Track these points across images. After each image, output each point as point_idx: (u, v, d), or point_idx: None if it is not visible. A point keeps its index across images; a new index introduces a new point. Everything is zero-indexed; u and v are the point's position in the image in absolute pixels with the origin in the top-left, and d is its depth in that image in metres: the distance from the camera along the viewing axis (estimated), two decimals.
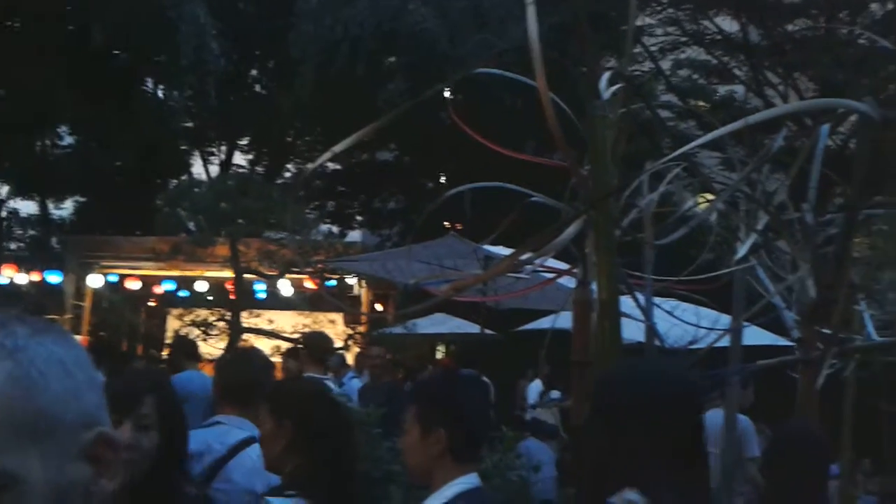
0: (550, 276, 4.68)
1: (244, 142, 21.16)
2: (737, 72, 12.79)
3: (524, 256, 4.25)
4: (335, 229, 20.33)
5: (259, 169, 20.89)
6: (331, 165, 19.84)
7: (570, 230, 2.86)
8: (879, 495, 7.21)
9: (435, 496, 2.27)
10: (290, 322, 13.83)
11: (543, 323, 8.08)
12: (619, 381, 1.79)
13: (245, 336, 13.02)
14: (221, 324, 13.10)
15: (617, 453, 1.59)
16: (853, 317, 6.51)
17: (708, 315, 5.75)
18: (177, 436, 2.43)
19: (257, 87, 19.83)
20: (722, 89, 13.67)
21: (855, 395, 6.51)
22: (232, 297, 13.22)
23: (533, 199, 4.03)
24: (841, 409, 6.50)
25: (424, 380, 5.08)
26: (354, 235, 21.33)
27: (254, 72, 19.55)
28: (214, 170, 20.22)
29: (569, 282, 4.40)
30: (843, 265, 3.66)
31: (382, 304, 15.63)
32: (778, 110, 4.75)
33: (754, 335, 6.66)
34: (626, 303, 5.52)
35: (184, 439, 2.49)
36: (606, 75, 3.31)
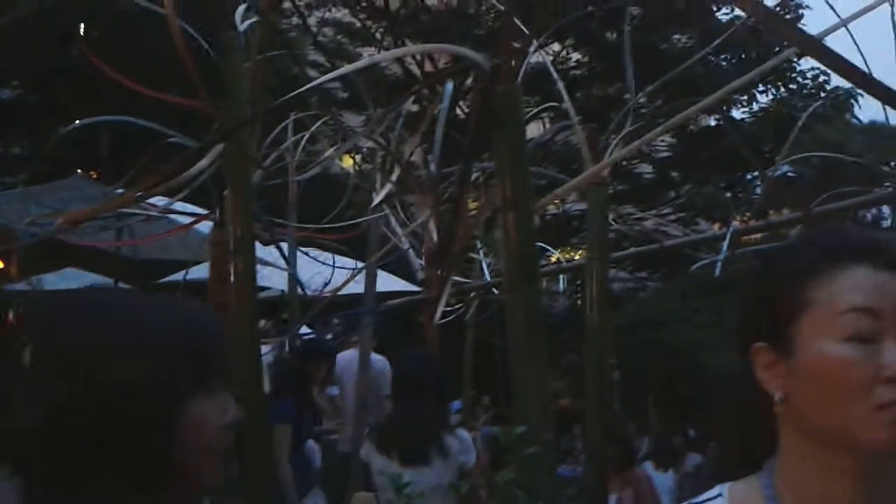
0: (189, 221, 4.60)
1: None
2: (378, 36, 13.40)
3: (159, 200, 4.12)
4: None
5: None
6: None
7: (202, 163, 2.84)
8: (490, 420, 8.14)
9: None
10: None
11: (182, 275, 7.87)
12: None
13: None
14: None
15: None
16: (473, 264, 7.29)
17: (346, 263, 6.06)
18: None
19: None
20: (365, 53, 14.21)
21: (474, 337, 7.30)
22: None
23: (171, 139, 3.92)
24: (463, 351, 7.24)
25: None
26: None
27: None
28: None
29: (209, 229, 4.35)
30: (458, 213, 4.08)
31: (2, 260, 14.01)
32: (399, 52, 5.08)
33: (389, 282, 7.15)
34: (271, 252, 5.63)
35: None
36: (243, 6, 3.31)
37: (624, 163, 14.56)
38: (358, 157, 7.06)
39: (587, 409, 3.78)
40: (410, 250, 5.45)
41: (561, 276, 10.85)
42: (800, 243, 1.05)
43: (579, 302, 11.27)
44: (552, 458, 2.86)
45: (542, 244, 9.08)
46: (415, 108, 8.00)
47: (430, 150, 5.04)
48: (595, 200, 3.89)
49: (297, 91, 2.88)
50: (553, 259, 10.07)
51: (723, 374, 1.14)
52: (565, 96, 4.68)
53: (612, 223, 8.18)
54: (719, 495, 1.01)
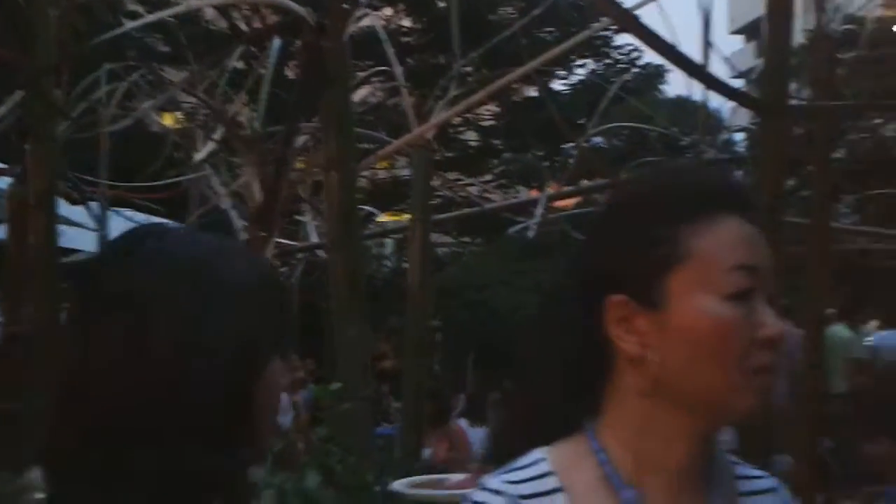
0: None
1: None
2: None
3: None
4: None
5: None
6: None
7: None
8: (313, 382, 8.15)
9: None
10: None
11: None
12: None
13: None
14: None
15: None
16: (300, 226, 7.22)
17: (163, 224, 5.81)
18: None
19: None
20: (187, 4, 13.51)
21: (300, 299, 7.25)
22: None
23: None
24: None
25: None
26: None
27: None
28: None
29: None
30: (282, 173, 4.03)
31: None
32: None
33: None
34: (80, 212, 5.30)
35: None
36: None
37: (450, 130, 14.82)
38: (180, 115, 6.77)
39: (405, 368, 3.88)
40: (233, 210, 5.31)
41: (388, 241, 10.95)
42: (665, 184, 0.93)
43: (405, 265, 11.43)
44: (366, 413, 2.91)
45: (370, 207, 9.14)
46: (241, 65, 7.76)
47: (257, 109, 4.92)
48: (419, 163, 3.96)
49: (106, 36, 2.73)
50: (380, 221, 10.14)
51: (543, 328, 0.96)
52: (393, 59, 4.71)
53: (439, 189, 8.35)
54: (542, 459, 0.90)
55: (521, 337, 1.11)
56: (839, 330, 8.46)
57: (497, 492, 0.87)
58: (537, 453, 0.90)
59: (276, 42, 4.28)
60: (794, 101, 3.63)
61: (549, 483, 0.88)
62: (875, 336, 9.04)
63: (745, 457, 1.01)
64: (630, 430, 0.89)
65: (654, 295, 0.85)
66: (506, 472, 0.89)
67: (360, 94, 6.10)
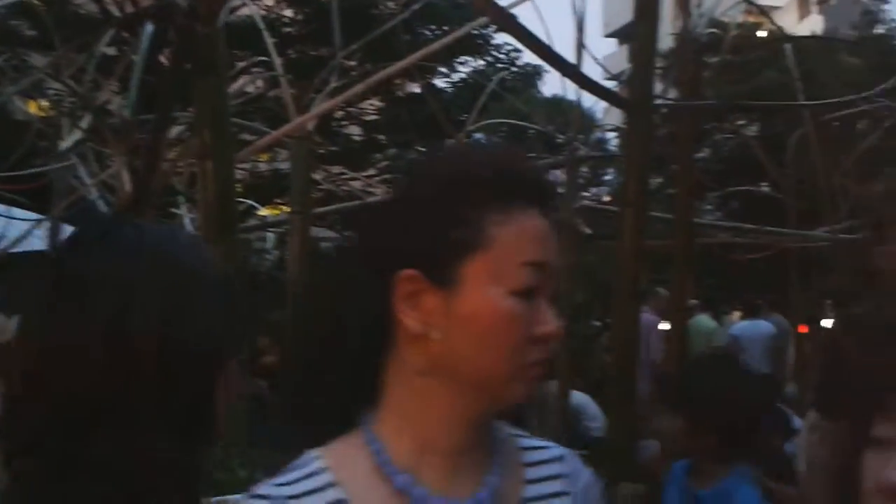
0: None
1: None
2: None
3: None
4: None
5: None
6: None
7: None
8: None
9: None
10: None
11: None
12: None
13: None
14: None
15: None
16: (175, 220, 6.99)
17: (27, 216, 5.54)
18: None
19: None
20: None
21: None
22: None
23: None
24: None
25: None
26: None
27: None
28: None
29: None
30: (153, 162, 3.90)
31: None
32: None
33: None
34: None
35: None
36: None
37: (333, 123, 14.70)
38: (45, 102, 6.44)
39: (282, 362, 3.84)
40: (101, 202, 5.10)
41: (270, 234, 10.77)
42: (469, 167, 0.90)
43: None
44: (240, 411, 2.87)
45: (250, 201, 8.96)
46: (112, 51, 7.46)
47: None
48: (298, 154, 3.92)
49: None
50: (261, 214, 9.97)
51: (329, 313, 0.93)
52: (272, 49, 4.64)
53: (322, 182, 8.28)
54: (316, 458, 0.89)
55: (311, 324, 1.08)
56: (703, 320, 8.93)
57: (263, 497, 0.86)
58: (312, 452, 0.89)
59: (149, 27, 4.14)
60: (659, 101, 3.81)
61: (323, 479, 0.87)
62: (735, 326, 9.58)
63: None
64: (407, 412, 0.89)
65: (447, 275, 0.85)
66: (278, 476, 0.88)
67: (240, 85, 5.98)
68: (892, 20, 15.42)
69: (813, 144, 5.01)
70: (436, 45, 3.74)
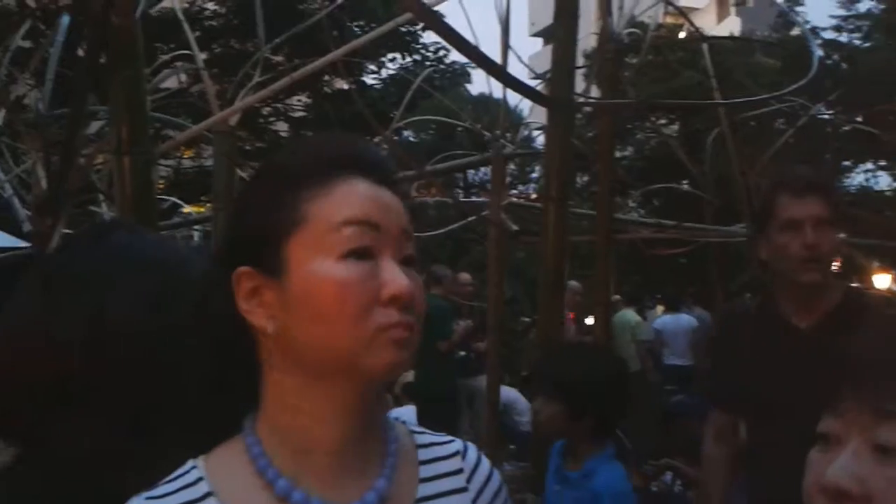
0: None
1: None
2: None
3: None
4: None
5: None
6: None
7: None
8: None
9: None
10: None
11: None
12: None
13: None
14: None
15: None
16: (95, 217, 6.80)
17: None
18: None
19: None
20: None
21: None
22: None
23: None
24: None
25: None
26: None
27: None
28: None
29: None
30: (69, 157, 3.79)
31: None
32: None
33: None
34: None
35: None
36: None
37: (261, 120, 14.50)
38: None
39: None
40: (15, 199, 4.93)
41: (196, 232, 10.57)
42: (294, 152, 0.90)
43: None
44: None
45: (175, 199, 8.78)
46: (28, 44, 7.23)
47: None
48: (221, 149, 3.86)
49: None
50: (186, 212, 9.77)
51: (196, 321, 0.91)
52: (193, 42, 4.56)
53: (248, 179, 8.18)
54: (194, 467, 0.86)
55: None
56: (627, 315, 9.13)
57: None
58: (190, 462, 0.86)
59: (66, 18, 4.02)
60: (581, 99, 3.88)
61: (201, 489, 0.84)
62: (658, 320, 9.82)
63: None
64: (280, 414, 0.85)
65: (275, 263, 0.83)
66: (152, 489, 0.84)
67: (161, 78, 5.85)
68: (807, 22, 16.01)
69: (729, 143, 5.17)
70: (361, 40, 3.73)
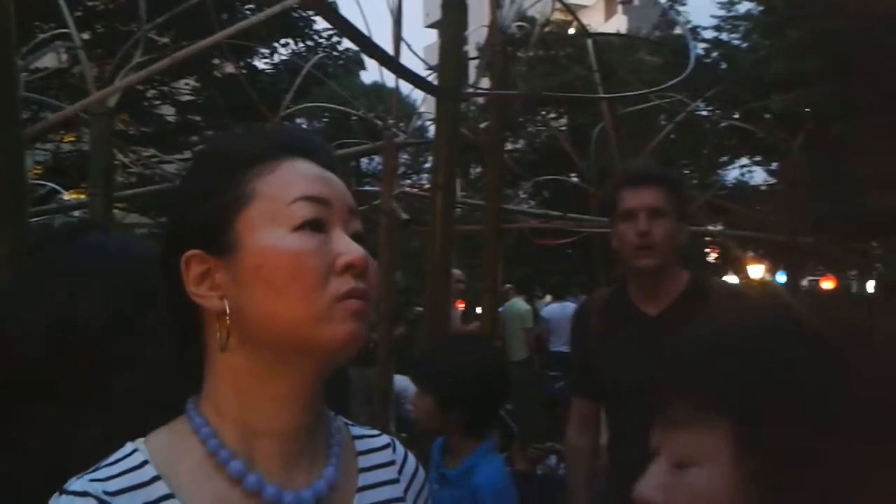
0: None
1: None
2: None
3: None
4: None
5: None
6: None
7: None
8: None
9: None
10: None
11: None
12: None
13: None
14: None
15: None
16: None
17: None
18: None
19: None
20: None
21: None
22: None
23: None
24: None
25: None
26: None
27: None
28: None
29: None
30: None
31: None
32: None
33: None
34: None
35: None
36: None
37: (146, 104, 13.99)
38: None
39: None
40: None
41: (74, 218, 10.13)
42: (231, 137, 0.92)
43: None
44: None
45: (53, 184, 8.38)
46: None
47: None
48: (97, 131, 3.71)
49: None
50: (66, 198, 9.35)
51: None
52: (70, 20, 4.36)
53: (133, 165, 7.88)
54: (136, 450, 0.83)
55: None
56: (517, 303, 9.32)
57: (82, 493, 0.78)
58: (129, 446, 0.84)
59: None
60: (469, 90, 3.93)
61: (147, 473, 0.82)
62: (546, 309, 10.06)
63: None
64: (231, 397, 0.84)
65: (226, 242, 0.83)
66: (91, 472, 0.81)
67: (37, 57, 5.58)
68: (688, 21, 16.65)
69: (611, 136, 5.34)
70: (246, 22, 3.66)
